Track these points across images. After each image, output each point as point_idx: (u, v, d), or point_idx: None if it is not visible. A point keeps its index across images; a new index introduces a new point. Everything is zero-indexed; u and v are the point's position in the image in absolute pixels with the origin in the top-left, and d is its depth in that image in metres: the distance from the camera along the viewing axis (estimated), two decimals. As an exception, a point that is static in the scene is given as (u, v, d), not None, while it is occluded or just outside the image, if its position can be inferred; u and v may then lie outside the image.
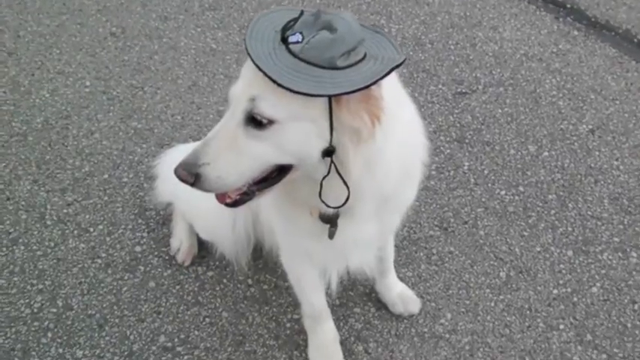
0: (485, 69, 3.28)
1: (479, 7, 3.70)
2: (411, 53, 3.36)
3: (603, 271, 2.40)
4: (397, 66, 1.28)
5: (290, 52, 1.26)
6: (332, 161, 1.34)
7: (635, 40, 3.47)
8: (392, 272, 2.26)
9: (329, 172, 1.35)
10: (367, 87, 1.24)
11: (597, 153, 2.85)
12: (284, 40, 1.28)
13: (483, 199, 2.65)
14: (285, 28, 1.29)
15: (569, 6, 3.69)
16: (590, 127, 2.98)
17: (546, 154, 2.85)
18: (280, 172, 1.40)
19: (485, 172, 2.77)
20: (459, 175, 2.75)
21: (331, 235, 1.59)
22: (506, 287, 2.36)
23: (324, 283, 2.00)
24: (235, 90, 1.35)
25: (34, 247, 2.44)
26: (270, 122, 1.29)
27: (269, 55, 1.25)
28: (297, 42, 1.26)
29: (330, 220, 1.55)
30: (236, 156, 1.33)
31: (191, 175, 1.34)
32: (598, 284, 2.37)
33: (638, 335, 2.21)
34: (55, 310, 2.25)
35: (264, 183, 1.42)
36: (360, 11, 3.62)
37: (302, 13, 1.31)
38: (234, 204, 1.43)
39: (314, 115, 1.28)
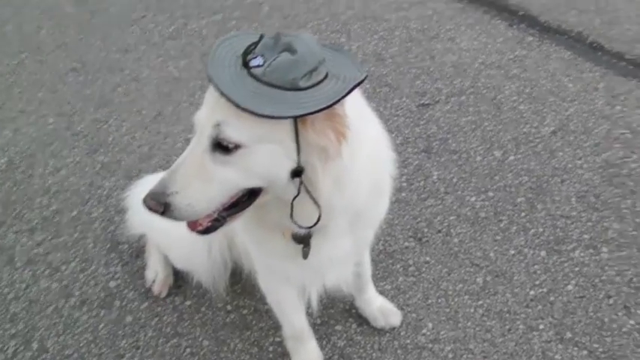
0: (446, 79, 3.34)
1: (435, 19, 3.78)
2: (373, 68, 3.40)
3: (577, 269, 2.45)
4: (358, 84, 1.30)
5: (252, 75, 1.26)
6: (301, 181, 1.34)
7: (588, 41, 3.57)
8: (371, 287, 2.26)
9: (299, 193, 1.35)
10: (330, 106, 1.25)
11: (561, 153, 2.91)
12: (245, 65, 1.28)
13: (455, 207, 2.69)
14: (246, 53, 1.30)
15: (521, 13, 3.80)
16: (552, 128, 3.04)
17: (512, 158, 2.90)
18: (250, 195, 1.40)
19: (454, 180, 2.80)
20: (429, 185, 2.78)
21: (305, 255, 1.59)
22: (483, 292, 2.38)
23: (303, 303, 1.99)
24: (200, 116, 1.35)
25: (5, 291, 2.38)
26: (237, 147, 1.29)
27: (231, 81, 1.26)
28: (259, 65, 1.26)
29: (303, 240, 1.56)
30: (205, 183, 1.32)
31: (160, 204, 1.33)
32: (573, 282, 2.41)
33: (616, 329, 2.25)
34: (30, 354, 2.20)
35: (234, 208, 1.41)
36: (320, 30, 3.67)
37: (262, 36, 1.32)
38: (206, 231, 1.42)
39: (280, 136, 1.29)
